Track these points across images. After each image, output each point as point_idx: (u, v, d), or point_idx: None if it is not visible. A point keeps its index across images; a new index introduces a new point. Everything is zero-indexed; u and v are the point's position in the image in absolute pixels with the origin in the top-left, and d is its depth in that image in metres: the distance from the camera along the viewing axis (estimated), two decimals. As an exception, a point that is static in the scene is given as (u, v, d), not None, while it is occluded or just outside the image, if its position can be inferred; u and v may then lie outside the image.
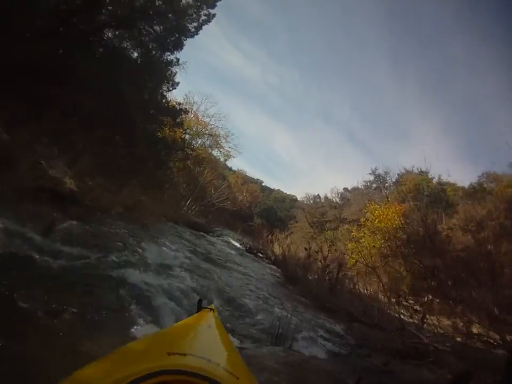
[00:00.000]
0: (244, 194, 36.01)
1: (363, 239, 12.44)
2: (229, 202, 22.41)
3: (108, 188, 6.41)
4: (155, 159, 12.55)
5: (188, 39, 10.86)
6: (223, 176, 28.23)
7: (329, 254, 11.24)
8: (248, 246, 16.01)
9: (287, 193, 48.71)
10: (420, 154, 50.59)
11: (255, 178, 43.21)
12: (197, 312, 1.47)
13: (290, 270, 10.21)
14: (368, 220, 12.33)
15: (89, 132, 6.94)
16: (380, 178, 29.20)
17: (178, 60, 11.81)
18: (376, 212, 12.07)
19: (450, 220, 13.12)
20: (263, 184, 47.96)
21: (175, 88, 14.11)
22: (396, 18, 60.37)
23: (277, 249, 12.84)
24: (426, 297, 8.90)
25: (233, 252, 12.74)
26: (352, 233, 12.93)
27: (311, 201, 30.35)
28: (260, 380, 1.74)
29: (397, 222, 12.33)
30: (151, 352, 0.86)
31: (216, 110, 26.02)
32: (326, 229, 24.97)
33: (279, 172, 73.46)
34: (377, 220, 11.84)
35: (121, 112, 8.92)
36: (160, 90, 13.71)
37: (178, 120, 15.77)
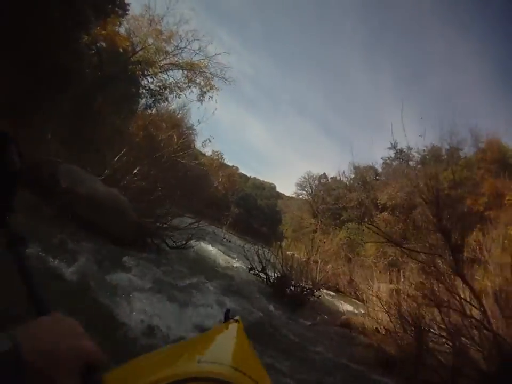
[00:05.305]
0: (220, 179, 29.68)
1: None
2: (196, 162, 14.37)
3: None
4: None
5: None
6: (195, 156, 20.41)
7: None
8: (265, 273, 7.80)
9: (265, 180, 42.66)
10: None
11: (230, 165, 36.35)
12: (224, 322, 1.46)
13: None
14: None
15: None
16: (401, 155, 23.69)
17: None
18: None
19: None
20: (239, 171, 41.07)
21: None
22: (372, 9, 56.54)
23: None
24: None
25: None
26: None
27: (316, 182, 23.67)
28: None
29: None
30: (183, 358, 0.90)
31: (194, 27, 14.89)
32: (345, 220, 18.64)
33: (253, 162, 69.96)
34: None
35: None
36: None
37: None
